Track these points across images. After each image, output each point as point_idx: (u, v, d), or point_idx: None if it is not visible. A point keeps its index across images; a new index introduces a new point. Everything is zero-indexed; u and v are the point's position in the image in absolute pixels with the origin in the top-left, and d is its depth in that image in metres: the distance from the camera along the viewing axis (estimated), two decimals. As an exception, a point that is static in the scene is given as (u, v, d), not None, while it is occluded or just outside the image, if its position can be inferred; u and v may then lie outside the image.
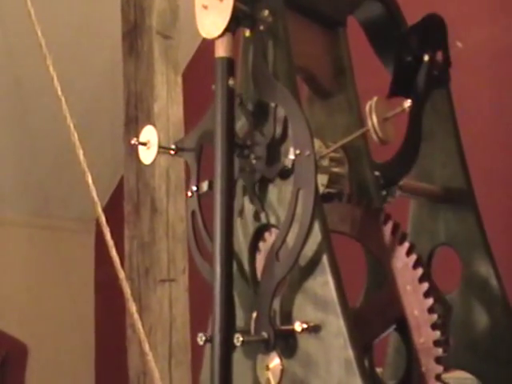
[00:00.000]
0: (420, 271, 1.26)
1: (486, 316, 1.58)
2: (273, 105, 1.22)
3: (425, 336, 1.25)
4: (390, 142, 1.20)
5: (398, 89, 1.55)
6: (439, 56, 1.60)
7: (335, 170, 1.36)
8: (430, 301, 1.25)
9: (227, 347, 1.15)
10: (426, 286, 1.26)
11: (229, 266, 1.17)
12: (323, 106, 1.45)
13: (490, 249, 1.62)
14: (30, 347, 3.06)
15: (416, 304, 1.26)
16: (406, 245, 1.28)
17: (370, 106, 1.17)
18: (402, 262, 1.27)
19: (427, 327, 1.25)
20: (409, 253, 1.27)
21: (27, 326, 3.73)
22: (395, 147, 1.55)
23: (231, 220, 1.19)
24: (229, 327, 1.15)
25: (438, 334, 1.25)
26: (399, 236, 1.29)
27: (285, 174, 1.20)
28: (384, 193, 1.47)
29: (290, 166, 1.18)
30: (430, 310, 1.25)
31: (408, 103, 1.15)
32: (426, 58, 1.57)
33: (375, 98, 1.18)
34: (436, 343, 1.25)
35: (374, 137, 1.17)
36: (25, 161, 3.91)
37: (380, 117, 1.16)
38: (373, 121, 1.16)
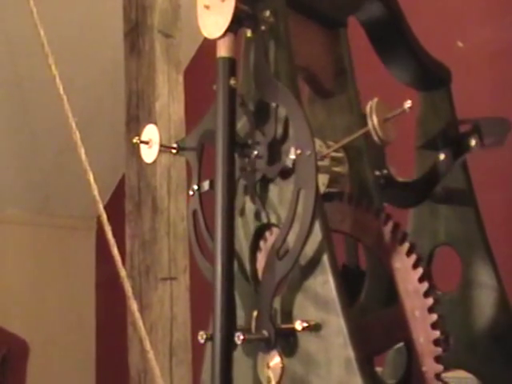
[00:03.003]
0: (430, 301, 1.24)
1: (485, 316, 1.58)
2: (274, 105, 1.23)
3: (427, 366, 1.24)
4: (390, 143, 1.21)
5: None
6: None
7: (336, 169, 1.36)
8: (437, 333, 1.23)
9: (228, 346, 1.14)
10: (434, 316, 1.24)
11: (229, 264, 1.17)
12: (324, 105, 1.45)
13: (490, 249, 1.63)
14: (31, 344, 3.07)
15: (422, 333, 1.24)
16: (420, 270, 1.25)
17: (371, 106, 1.18)
18: (413, 287, 1.25)
19: (431, 359, 1.23)
20: (421, 279, 1.25)
21: (28, 323, 3.73)
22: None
23: (232, 219, 1.18)
24: (230, 326, 1.15)
25: (440, 367, 1.23)
26: (414, 260, 1.26)
27: (286, 173, 1.20)
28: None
29: (290, 165, 1.17)
30: (436, 343, 1.23)
31: (408, 104, 1.16)
32: None
33: (375, 99, 1.19)
34: (437, 376, 1.23)
35: (375, 137, 1.18)
36: (26, 159, 3.92)
37: (380, 117, 1.17)
38: (373, 121, 1.17)
